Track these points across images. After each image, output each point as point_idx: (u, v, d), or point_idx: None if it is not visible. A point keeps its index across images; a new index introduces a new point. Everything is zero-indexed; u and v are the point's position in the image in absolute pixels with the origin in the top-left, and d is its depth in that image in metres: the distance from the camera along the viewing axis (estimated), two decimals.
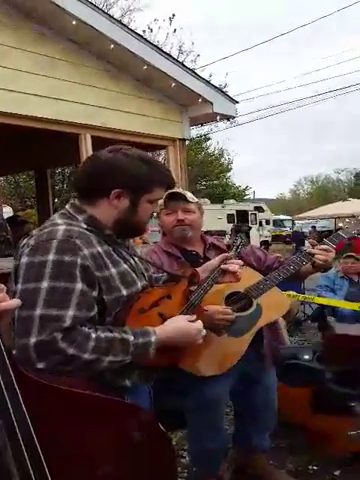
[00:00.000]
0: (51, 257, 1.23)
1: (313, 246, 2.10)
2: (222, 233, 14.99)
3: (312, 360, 2.63)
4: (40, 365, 1.16)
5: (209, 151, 26.10)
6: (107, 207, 1.39)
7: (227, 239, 2.14)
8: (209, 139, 24.35)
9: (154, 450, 1.05)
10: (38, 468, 0.85)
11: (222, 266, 1.69)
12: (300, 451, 2.56)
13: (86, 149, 4.38)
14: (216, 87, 5.25)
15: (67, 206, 1.44)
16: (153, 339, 1.30)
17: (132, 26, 19.33)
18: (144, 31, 19.49)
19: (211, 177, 26.88)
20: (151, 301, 1.44)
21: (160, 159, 18.96)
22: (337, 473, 2.35)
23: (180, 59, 20.27)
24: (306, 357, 2.63)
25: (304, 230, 21.68)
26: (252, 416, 2.24)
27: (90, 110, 4.28)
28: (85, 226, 1.36)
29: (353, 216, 2.27)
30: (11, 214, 12.97)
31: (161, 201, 2.14)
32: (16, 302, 0.93)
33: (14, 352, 1.26)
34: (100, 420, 1.00)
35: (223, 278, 1.71)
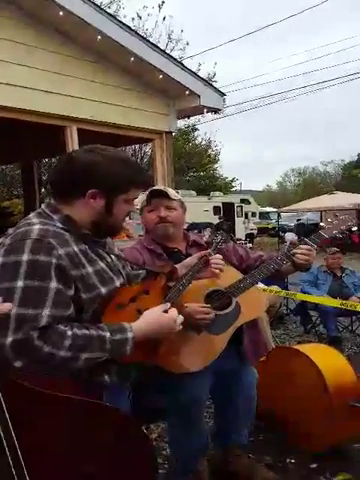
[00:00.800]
0: (25, 257, 1.25)
1: (294, 245, 2.10)
2: (209, 225, 15.05)
3: None
4: (17, 364, 1.18)
5: (196, 142, 26.04)
6: (83, 207, 1.40)
7: (207, 236, 2.15)
8: (197, 130, 24.32)
9: (134, 451, 1.07)
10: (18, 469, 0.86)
11: (208, 257, 1.71)
12: (278, 445, 2.61)
13: (72, 142, 4.35)
14: (204, 79, 5.23)
15: (43, 205, 1.45)
16: (130, 335, 1.32)
17: (121, 13, 19.13)
18: (133, 18, 19.32)
19: (198, 168, 26.85)
20: (129, 297, 1.45)
21: (147, 151, 18.86)
22: (314, 466, 2.41)
23: (169, 47, 20.13)
24: None
25: (289, 223, 21.83)
26: (231, 412, 2.28)
27: (76, 102, 4.24)
28: (60, 225, 1.37)
29: (336, 216, 2.25)
30: None
31: (143, 198, 2.14)
32: (7, 307, 0.94)
33: None
34: (82, 422, 1.02)
35: (201, 274, 1.72)
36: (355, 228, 2.21)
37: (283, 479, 2.28)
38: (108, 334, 1.29)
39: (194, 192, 19.70)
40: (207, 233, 2.09)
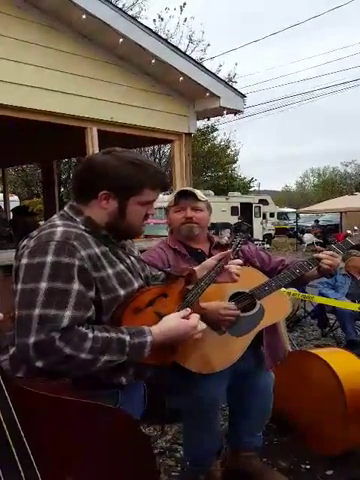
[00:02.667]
0: (49, 259, 1.27)
1: (319, 251, 2.12)
2: (226, 225, 15.00)
3: None
4: (39, 364, 1.21)
5: (215, 142, 25.98)
6: (98, 208, 1.43)
7: (226, 238, 2.16)
8: (216, 130, 24.26)
9: (135, 451, 1.09)
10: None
11: (225, 266, 1.71)
12: (293, 449, 2.60)
13: (92, 143, 4.39)
14: (224, 81, 5.22)
15: (66, 207, 1.48)
16: (149, 339, 1.33)
17: (143, 14, 19.22)
18: (154, 20, 19.40)
19: (216, 168, 26.78)
20: (147, 300, 1.47)
21: (165, 151, 18.86)
22: (329, 473, 2.39)
23: (190, 48, 20.14)
24: None
25: (308, 224, 21.59)
26: (246, 415, 2.28)
27: (97, 104, 4.28)
28: (83, 227, 1.39)
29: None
30: (17, 203, 13.05)
31: (171, 198, 2.17)
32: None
33: (13, 350, 1.32)
34: (82, 424, 1.05)
35: (220, 278, 1.73)
36: None
37: None
38: (128, 337, 1.31)
39: (212, 192, 19.68)
40: (226, 235, 2.09)
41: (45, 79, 3.88)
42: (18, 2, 3.71)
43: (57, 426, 1.02)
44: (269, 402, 2.31)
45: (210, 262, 1.74)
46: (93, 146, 4.40)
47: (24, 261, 1.31)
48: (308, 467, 2.46)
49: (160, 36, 4.66)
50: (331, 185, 46.44)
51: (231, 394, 2.21)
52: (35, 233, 1.38)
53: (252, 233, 17.49)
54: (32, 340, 1.21)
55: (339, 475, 2.37)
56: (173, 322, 1.40)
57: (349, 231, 2.23)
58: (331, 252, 2.06)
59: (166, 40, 4.83)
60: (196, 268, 1.70)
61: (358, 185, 41.46)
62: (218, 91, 4.83)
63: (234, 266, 1.72)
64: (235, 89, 5.22)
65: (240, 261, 1.81)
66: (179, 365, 1.76)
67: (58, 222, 1.39)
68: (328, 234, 18.44)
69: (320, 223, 21.07)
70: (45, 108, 3.94)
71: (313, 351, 3.03)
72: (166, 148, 18.44)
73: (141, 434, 1.11)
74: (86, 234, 1.37)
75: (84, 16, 3.80)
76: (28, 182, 21.35)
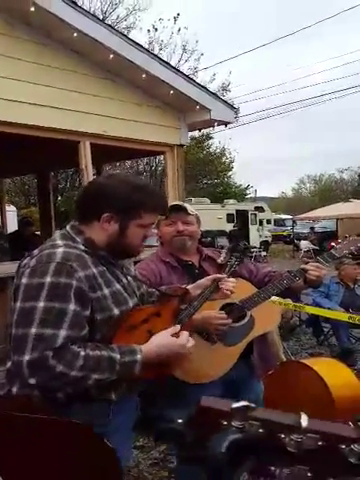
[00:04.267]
0: (48, 279, 1.31)
1: (306, 263, 2.17)
2: (222, 233, 14.95)
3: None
4: (31, 381, 1.25)
5: (210, 150, 26.12)
6: (99, 229, 1.47)
7: (222, 258, 2.20)
8: (211, 138, 24.42)
9: (100, 465, 1.10)
10: None
11: (220, 285, 1.75)
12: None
13: (85, 155, 4.46)
14: (214, 94, 5.31)
15: (68, 227, 1.52)
16: (138, 358, 1.37)
17: (137, 25, 19.47)
18: (149, 30, 19.63)
19: (212, 176, 26.92)
20: (141, 318, 1.50)
21: (161, 159, 18.99)
22: None
23: (184, 58, 20.38)
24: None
25: (304, 231, 21.66)
26: None
27: (89, 118, 4.36)
28: (83, 248, 1.44)
29: (346, 237, 2.34)
30: (15, 213, 13.17)
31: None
32: None
33: (8, 364, 1.37)
34: (42, 440, 1.07)
35: (214, 296, 1.76)
36: None
37: None
38: (118, 356, 1.34)
39: (208, 200, 19.75)
40: (223, 254, 2.11)
41: (38, 95, 3.95)
42: (10, 19, 3.79)
43: (14, 443, 1.04)
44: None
45: (204, 282, 1.76)
46: (86, 159, 4.47)
47: (24, 280, 1.35)
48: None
49: (150, 51, 4.75)
50: (328, 191, 46.67)
51: None
52: (36, 252, 1.42)
53: (248, 240, 17.52)
54: (27, 358, 1.25)
55: None
56: (162, 340, 1.44)
57: (333, 244, 2.30)
58: (317, 264, 2.11)
59: (156, 55, 4.91)
60: (190, 287, 1.73)
61: (354, 191, 41.69)
62: (208, 104, 4.92)
63: (229, 284, 1.76)
64: (225, 101, 5.31)
65: (234, 280, 1.85)
66: (171, 376, 1.79)
67: (59, 242, 1.44)
68: (324, 241, 18.54)
69: (316, 230, 21.13)
70: (38, 123, 4.01)
71: (303, 361, 3.07)
72: (162, 157, 18.57)
73: (105, 447, 1.13)
74: (85, 255, 1.41)
75: (75, 34, 3.88)
76: (25, 191, 21.43)
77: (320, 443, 0.60)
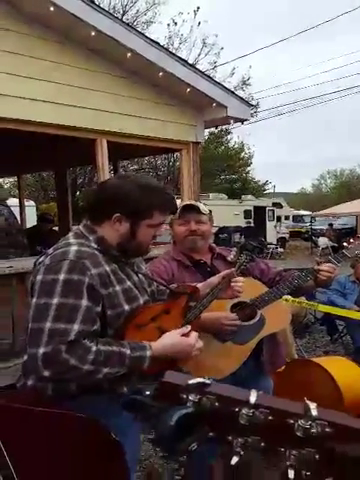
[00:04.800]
0: (62, 276, 1.38)
1: (319, 263, 2.17)
2: (239, 229, 14.88)
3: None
4: (45, 373, 1.32)
5: (229, 145, 26.02)
6: (110, 229, 1.53)
7: (232, 256, 2.23)
8: (230, 133, 24.30)
9: (106, 457, 1.15)
10: None
11: (231, 284, 1.78)
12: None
13: (102, 153, 4.53)
14: (231, 91, 5.31)
15: (80, 226, 1.59)
16: (148, 354, 1.43)
17: (157, 20, 19.45)
18: (168, 24, 19.62)
19: (230, 171, 26.79)
20: (150, 316, 1.55)
21: (175, 158, 19.03)
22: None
23: (204, 52, 20.30)
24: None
25: (323, 227, 21.38)
26: None
27: (106, 116, 4.42)
28: (95, 246, 1.50)
29: (358, 236, 2.34)
30: (34, 208, 13.44)
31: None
32: None
33: (25, 357, 1.44)
34: (52, 432, 1.13)
35: (223, 295, 1.79)
36: None
37: None
38: (128, 351, 1.40)
39: (225, 195, 19.70)
40: (233, 253, 2.12)
41: (55, 93, 4.03)
42: (28, 19, 3.87)
43: (28, 437, 1.09)
44: None
45: (214, 280, 1.79)
46: (103, 157, 4.54)
47: (39, 277, 1.42)
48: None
49: (168, 49, 4.77)
50: (347, 188, 45.86)
51: None
52: (51, 251, 1.49)
53: (265, 237, 17.42)
54: (41, 351, 1.31)
55: None
56: (172, 339, 1.49)
57: (345, 243, 2.30)
58: (329, 264, 2.12)
59: (173, 53, 4.94)
60: (200, 285, 1.77)
61: None
62: (225, 101, 4.93)
63: (238, 283, 1.80)
64: (242, 98, 5.30)
65: (242, 279, 1.87)
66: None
67: (72, 241, 1.50)
68: (343, 238, 18.27)
69: (335, 227, 20.85)
70: (56, 121, 4.09)
71: (314, 359, 3.08)
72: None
73: (113, 440, 1.18)
74: (98, 253, 1.47)
75: (93, 33, 3.94)
76: (45, 186, 21.75)
77: (270, 417, 0.70)
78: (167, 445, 0.73)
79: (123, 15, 18.88)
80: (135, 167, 19.92)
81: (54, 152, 6.05)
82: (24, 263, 3.88)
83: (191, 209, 2.21)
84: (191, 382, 0.72)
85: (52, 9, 3.65)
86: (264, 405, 0.70)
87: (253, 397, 0.70)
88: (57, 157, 6.48)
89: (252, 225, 15.95)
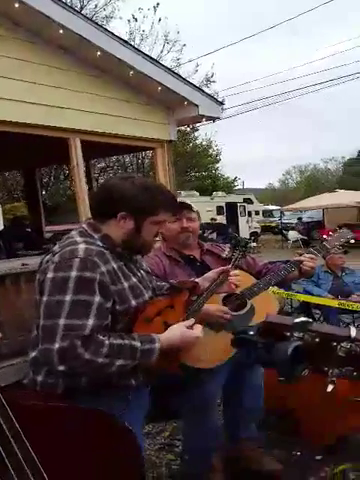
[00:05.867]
0: (74, 273, 1.41)
1: (300, 254, 2.33)
2: (219, 223, 14.94)
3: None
4: (61, 368, 1.35)
5: (197, 142, 26.13)
6: (115, 227, 1.58)
7: (227, 252, 2.32)
8: (197, 130, 24.42)
9: (121, 446, 1.20)
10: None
11: (229, 278, 1.89)
12: (285, 440, 2.73)
13: (76, 153, 4.49)
14: (202, 90, 5.37)
15: (84, 225, 1.62)
16: (157, 346, 1.49)
17: (117, 15, 19.25)
18: (129, 20, 19.50)
19: (200, 169, 26.95)
20: (156, 310, 1.64)
21: (143, 156, 18.96)
22: (319, 458, 2.54)
23: (166, 48, 20.30)
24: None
25: (292, 221, 21.88)
26: (240, 407, 2.43)
27: (79, 115, 4.38)
28: (100, 244, 1.54)
29: (336, 229, 2.49)
30: None
31: None
32: None
33: (34, 354, 1.48)
34: (69, 427, 1.15)
35: (221, 288, 1.91)
36: (353, 240, 2.43)
37: (290, 471, 2.42)
38: (139, 344, 1.46)
39: (197, 193, 19.83)
40: (227, 250, 2.29)
41: (25, 92, 3.96)
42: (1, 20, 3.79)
43: (51, 433, 1.12)
44: (261, 394, 2.47)
45: (211, 275, 1.90)
46: (76, 156, 4.50)
47: (50, 275, 1.44)
48: (299, 454, 2.61)
49: (137, 48, 4.77)
50: (313, 182, 47.03)
51: (226, 388, 2.34)
52: (57, 249, 1.52)
53: (238, 232, 17.69)
54: (57, 346, 1.34)
55: (329, 460, 2.51)
56: (179, 332, 1.56)
57: (325, 236, 2.43)
58: (310, 255, 2.25)
59: (143, 52, 4.95)
60: (198, 280, 1.87)
61: (339, 181, 42.13)
62: (196, 100, 4.98)
63: (234, 278, 1.92)
64: (212, 97, 5.37)
65: (238, 272, 2.00)
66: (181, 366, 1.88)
67: (78, 239, 1.53)
68: (311, 230, 18.78)
69: (304, 220, 21.38)
70: (28, 120, 4.02)
71: None
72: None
73: (129, 435, 1.21)
74: (104, 250, 1.52)
75: (61, 31, 3.89)
76: (8, 186, 21.21)
77: None
78: (286, 370, 0.89)
79: (81, 9, 18.62)
80: (103, 165, 19.72)
81: (23, 152, 5.93)
82: (1, 266, 3.81)
83: (183, 207, 2.29)
84: (297, 321, 0.89)
85: (17, 6, 3.58)
86: None
87: (353, 332, 0.85)
88: (27, 157, 6.36)
89: (218, 221, 16.14)
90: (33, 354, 1.50)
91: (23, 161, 6.93)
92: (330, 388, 0.86)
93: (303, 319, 0.90)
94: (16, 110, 3.90)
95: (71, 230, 1.63)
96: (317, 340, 0.87)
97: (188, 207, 2.32)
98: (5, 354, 3.45)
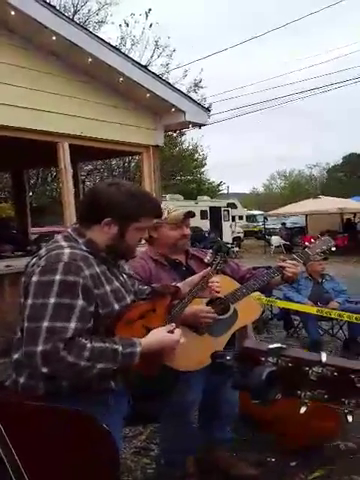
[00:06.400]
0: (58, 277, 1.44)
1: (283, 260, 2.37)
2: (197, 229, 15.07)
3: None
4: (44, 370, 1.38)
5: (183, 146, 26.26)
6: (99, 232, 1.61)
7: (208, 257, 2.36)
8: (183, 134, 24.54)
9: (99, 447, 1.25)
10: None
11: (209, 284, 1.94)
12: (260, 445, 2.77)
13: (64, 156, 4.54)
14: (189, 97, 5.48)
15: (69, 229, 1.65)
16: (138, 350, 1.52)
17: (109, 20, 19.27)
18: (120, 25, 19.55)
19: (185, 173, 27.05)
20: (138, 314, 1.66)
21: (130, 160, 18.92)
22: (293, 464, 2.59)
23: (156, 54, 20.41)
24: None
25: (275, 226, 22.10)
26: (215, 411, 2.48)
27: (67, 119, 4.45)
28: (85, 248, 1.57)
29: (318, 237, 2.54)
30: None
31: (180, 217, 2.33)
32: None
33: (17, 356, 1.51)
34: (48, 426, 1.20)
35: (203, 293, 1.95)
36: (334, 248, 2.48)
37: (264, 476, 2.45)
38: (120, 347, 1.48)
39: (181, 196, 19.91)
40: (209, 255, 2.26)
41: (17, 97, 4.01)
42: None
43: (30, 432, 1.16)
44: (236, 399, 2.52)
45: (193, 279, 1.94)
46: (64, 159, 4.55)
47: (35, 278, 1.46)
48: (273, 460, 2.64)
49: (127, 55, 4.85)
50: (297, 187, 47.54)
51: (203, 394, 2.38)
52: (43, 253, 1.53)
53: (221, 236, 17.80)
54: (40, 349, 1.35)
55: (302, 466, 2.57)
56: (159, 335, 1.59)
57: (307, 243, 2.47)
58: (293, 261, 2.31)
59: (133, 59, 5.03)
60: (180, 284, 1.91)
61: (323, 187, 42.75)
62: (183, 106, 5.08)
63: (215, 283, 1.96)
64: (199, 104, 5.48)
65: (217, 280, 2.03)
66: (163, 367, 1.93)
67: (64, 243, 1.55)
68: (294, 236, 19.02)
69: (287, 225, 21.62)
70: (18, 124, 4.07)
71: None
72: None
73: (104, 432, 1.25)
74: (88, 255, 1.53)
75: (54, 38, 3.96)
76: None
77: (335, 374, 0.89)
78: (260, 394, 0.93)
79: (74, 14, 18.61)
80: (90, 167, 19.67)
81: (12, 154, 5.94)
82: None
83: (190, 216, 2.35)
84: (271, 347, 0.94)
85: (13, 13, 3.64)
86: (330, 364, 0.89)
87: (324, 357, 0.90)
88: (15, 159, 6.38)
89: (197, 226, 16.20)
90: (16, 356, 1.52)
91: (12, 163, 6.93)
92: (303, 410, 0.91)
93: (277, 345, 0.94)
94: (7, 114, 3.95)
95: (56, 232, 1.66)
96: (290, 365, 0.90)
97: (193, 216, 2.36)
98: None
